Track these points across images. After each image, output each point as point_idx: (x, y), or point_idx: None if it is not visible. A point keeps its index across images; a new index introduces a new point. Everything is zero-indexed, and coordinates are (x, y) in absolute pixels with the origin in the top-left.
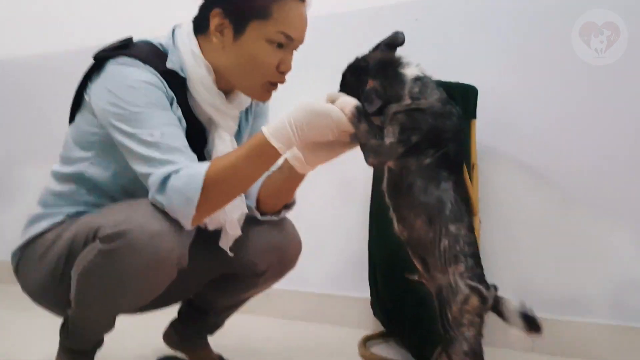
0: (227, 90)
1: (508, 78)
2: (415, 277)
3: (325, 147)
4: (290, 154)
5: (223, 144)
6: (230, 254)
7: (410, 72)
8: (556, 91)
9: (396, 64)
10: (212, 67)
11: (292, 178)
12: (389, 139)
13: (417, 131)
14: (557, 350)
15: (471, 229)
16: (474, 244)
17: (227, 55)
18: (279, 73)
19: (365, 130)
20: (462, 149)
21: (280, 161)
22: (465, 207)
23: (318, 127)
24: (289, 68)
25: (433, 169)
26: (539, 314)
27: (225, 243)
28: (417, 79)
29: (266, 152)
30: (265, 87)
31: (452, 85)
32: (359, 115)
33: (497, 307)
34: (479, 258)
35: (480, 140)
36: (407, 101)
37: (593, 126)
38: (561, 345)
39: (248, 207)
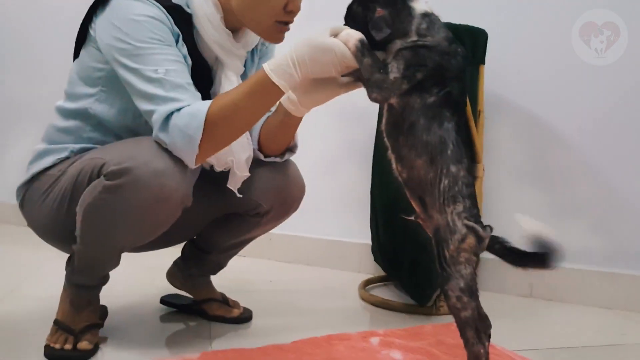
0: (234, 29)
1: (519, 24)
2: (412, 218)
3: (320, 89)
4: (284, 97)
5: (230, 84)
6: (239, 195)
7: (419, 7)
8: (566, 41)
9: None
10: (220, 4)
11: (288, 121)
12: (393, 74)
13: (422, 68)
14: (553, 296)
15: (470, 170)
16: (471, 185)
17: None
18: (287, 12)
19: (369, 64)
20: (465, 90)
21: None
22: (465, 149)
23: (321, 63)
24: (297, 8)
25: (436, 108)
26: None
27: (234, 184)
28: (426, 15)
29: (268, 90)
30: (276, 28)
31: (461, 27)
32: (363, 48)
33: (494, 247)
34: (476, 199)
35: (488, 86)
36: (414, 37)
37: (601, 77)
38: (557, 291)
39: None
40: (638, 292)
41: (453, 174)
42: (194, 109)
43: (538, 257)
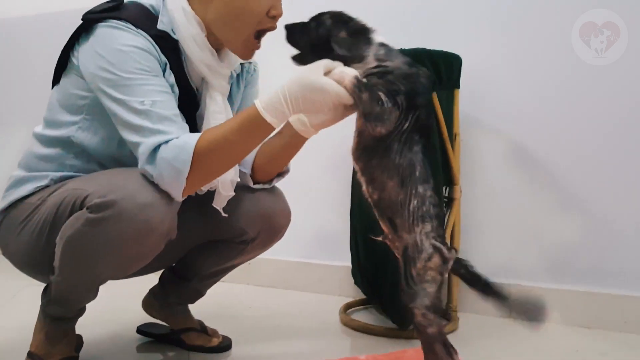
0: (217, 48)
1: (492, 49)
2: (380, 239)
3: (331, 112)
4: (294, 117)
5: (215, 104)
6: (224, 214)
7: (377, 38)
8: (538, 63)
9: (370, 29)
10: (202, 22)
11: (292, 143)
12: (387, 105)
13: (399, 92)
14: None
15: (436, 190)
16: (438, 205)
17: (215, 6)
18: (270, 18)
19: (368, 98)
20: (431, 112)
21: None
22: (432, 169)
23: (313, 102)
24: (279, 12)
25: (409, 132)
26: (516, 280)
27: (219, 203)
28: (383, 44)
29: (258, 126)
30: (251, 43)
31: (436, 53)
32: (360, 84)
33: (460, 271)
34: (443, 219)
35: (463, 110)
36: (372, 63)
37: (574, 99)
38: None
39: (241, 174)
40: (617, 311)
41: (421, 194)
42: (182, 141)
43: (499, 290)
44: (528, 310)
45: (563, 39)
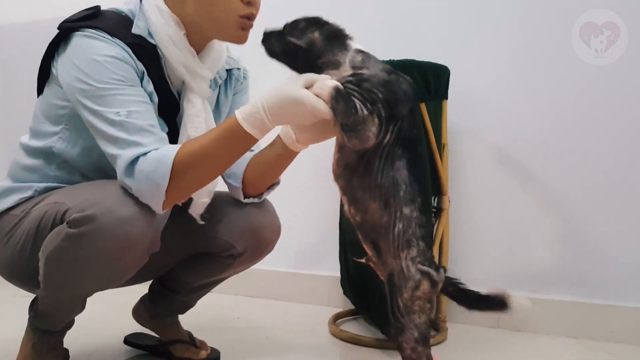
0: (198, 49)
1: (480, 60)
2: (363, 261)
3: (317, 128)
4: (283, 131)
5: (192, 107)
6: (200, 221)
7: (354, 45)
8: (525, 74)
9: (346, 35)
10: (181, 21)
11: (283, 156)
12: (362, 112)
13: (377, 100)
14: (521, 327)
15: (423, 210)
16: (424, 226)
17: (191, 0)
18: (246, 4)
19: (343, 109)
20: (415, 123)
21: (272, 138)
22: (419, 186)
23: (291, 114)
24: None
25: (390, 146)
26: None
27: (195, 211)
28: (360, 51)
29: (239, 137)
30: (239, 24)
31: (425, 64)
32: (337, 95)
33: (448, 289)
34: (430, 239)
35: (451, 120)
36: (348, 71)
37: (562, 109)
38: (524, 321)
39: (232, 188)
40: (603, 320)
41: (407, 217)
42: (161, 154)
43: (492, 300)
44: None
45: (550, 50)
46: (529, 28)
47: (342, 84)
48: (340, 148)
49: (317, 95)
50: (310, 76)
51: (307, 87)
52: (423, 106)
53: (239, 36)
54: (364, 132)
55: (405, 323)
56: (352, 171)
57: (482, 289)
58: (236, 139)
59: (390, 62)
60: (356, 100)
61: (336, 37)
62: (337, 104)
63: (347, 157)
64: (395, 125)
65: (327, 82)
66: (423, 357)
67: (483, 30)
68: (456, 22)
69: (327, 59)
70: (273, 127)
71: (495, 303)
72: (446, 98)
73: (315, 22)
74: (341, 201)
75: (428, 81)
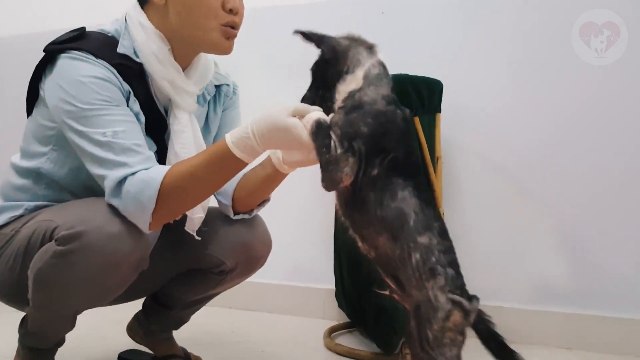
0: (184, 65)
1: (472, 73)
2: (387, 293)
3: (303, 154)
4: (272, 152)
5: (179, 123)
6: (197, 237)
7: (381, 55)
8: (518, 86)
9: (371, 44)
10: (165, 36)
11: (273, 176)
12: (336, 150)
13: (359, 135)
14: (516, 338)
15: (444, 234)
16: (450, 251)
17: (173, 12)
18: (228, 12)
19: (319, 145)
20: (412, 150)
21: (262, 158)
22: (433, 211)
23: (279, 141)
24: (236, 6)
25: (383, 179)
26: (498, 302)
27: (191, 226)
28: (382, 64)
29: (228, 161)
30: (222, 33)
31: (418, 78)
32: (318, 131)
33: (479, 326)
34: (458, 265)
35: (445, 133)
36: (359, 83)
37: (556, 121)
38: (519, 333)
39: (222, 206)
40: (597, 332)
41: (424, 246)
42: (148, 176)
43: (512, 355)
44: None
45: (544, 63)
46: (521, 42)
47: (339, 107)
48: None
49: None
50: (301, 106)
51: (298, 116)
52: (417, 120)
53: (224, 46)
54: (335, 172)
55: (434, 356)
56: (352, 208)
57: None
58: (225, 163)
59: None
60: (333, 138)
61: (362, 42)
62: (315, 138)
63: (344, 195)
64: (385, 159)
65: (312, 115)
66: None
67: (476, 45)
68: (449, 37)
69: (351, 57)
70: (263, 151)
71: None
72: (439, 111)
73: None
74: (336, 214)
75: (422, 95)
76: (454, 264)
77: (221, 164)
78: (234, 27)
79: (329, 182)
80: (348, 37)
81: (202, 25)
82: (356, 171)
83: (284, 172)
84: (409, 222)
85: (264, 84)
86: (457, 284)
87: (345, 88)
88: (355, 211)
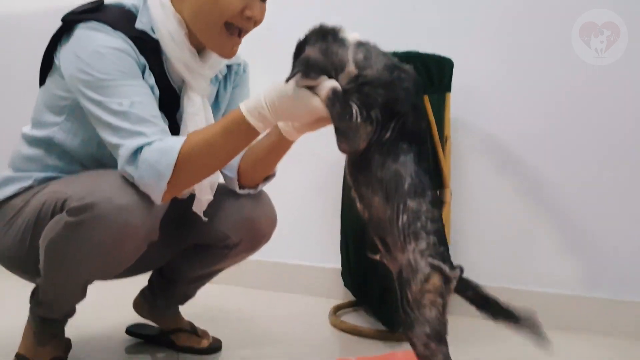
0: (200, 48)
1: (484, 52)
2: (378, 257)
3: (309, 121)
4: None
5: (192, 105)
6: (205, 218)
7: (351, 36)
8: (530, 67)
9: (336, 30)
10: (183, 20)
11: (278, 145)
12: (357, 119)
13: (375, 105)
14: None
15: (435, 204)
16: (437, 221)
17: (189, 2)
18: (245, 18)
19: (337, 113)
20: (420, 116)
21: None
22: (429, 180)
23: (290, 110)
24: (256, 14)
25: (391, 142)
26: (505, 284)
27: (199, 207)
28: (360, 44)
29: (243, 130)
30: (227, 38)
31: (428, 56)
32: (334, 98)
33: (467, 293)
34: (444, 236)
35: (454, 113)
36: (352, 68)
37: (565, 102)
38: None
39: (228, 180)
40: (603, 315)
41: (413, 209)
42: (167, 145)
43: (512, 314)
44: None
45: (554, 43)
46: (534, 22)
47: (344, 88)
48: None
49: (317, 94)
50: (310, 80)
51: (308, 86)
52: (426, 98)
53: (227, 48)
54: (354, 139)
55: (415, 317)
56: (357, 168)
57: (484, 282)
58: (240, 132)
59: (394, 54)
60: (354, 106)
61: (325, 35)
62: (332, 106)
63: (351, 156)
64: (397, 123)
65: (326, 83)
66: (438, 355)
67: (487, 23)
68: (460, 15)
69: (333, 62)
70: (275, 122)
71: (512, 316)
72: (449, 91)
73: (299, 47)
74: (343, 193)
75: (431, 73)
76: (438, 232)
77: (237, 132)
78: (242, 31)
79: (347, 147)
80: (316, 45)
81: (209, 24)
82: (371, 137)
83: (290, 139)
84: (404, 185)
85: (267, 73)
86: (439, 251)
87: (343, 81)
88: (359, 171)
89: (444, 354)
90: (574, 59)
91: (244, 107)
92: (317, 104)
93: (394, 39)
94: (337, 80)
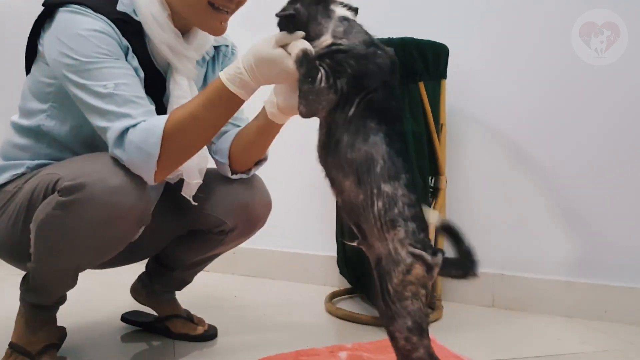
0: (184, 29)
1: (480, 39)
2: (355, 244)
3: (294, 87)
4: (267, 101)
5: (179, 88)
6: (194, 202)
7: (339, 10)
8: (526, 55)
9: (330, 1)
10: (166, 2)
11: (267, 128)
12: (320, 84)
13: (343, 74)
14: (515, 306)
15: (411, 187)
16: (414, 205)
17: None
18: None
19: (302, 73)
20: (391, 95)
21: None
22: (403, 162)
23: (267, 73)
24: None
25: (358, 120)
26: (499, 270)
27: (188, 192)
28: (344, 19)
29: (225, 99)
30: (212, 15)
31: (423, 42)
32: (303, 59)
33: (451, 272)
34: (423, 220)
35: (450, 100)
36: (328, 40)
37: (561, 91)
38: (519, 301)
39: (219, 165)
40: (597, 300)
41: (388, 194)
42: (150, 124)
43: (459, 265)
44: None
45: (552, 32)
46: (530, 9)
47: (320, 54)
48: (320, 127)
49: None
50: (282, 35)
51: (283, 46)
52: (421, 85)
53: (215, 27)
54: (313, 104)
55: (396, 310)
56: (326, 150)
57: (480, 268)
58: (223, 101)
59: (390, 40)
60: (321, 70)
61: (318, 2)
62: (300, 67)
63: (322, 136)
64: (364, 98)
65: (297, 44)
66: (419, 348)
67: (484, 10)
68: (457, 1)
69: (312, 28)
70: (257, 87)
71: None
72: (445, 78)
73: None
74: None
75: (427, 60)
76: (417, 218)
77: (219, 101)
78: (228, 10)
79: (305, 111)
80: (307, 7)
81: (191, 3)
82: (334, 108)
83: (277, 122)
84: (375, 168)
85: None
86: (419, 238)
87: (317, 47)
88: (328, 153)
89: (426, 347)
90: (568, 44)
91: (224, 75)
92: (289, 64)
93: (390, 25)
94: (313, 43)
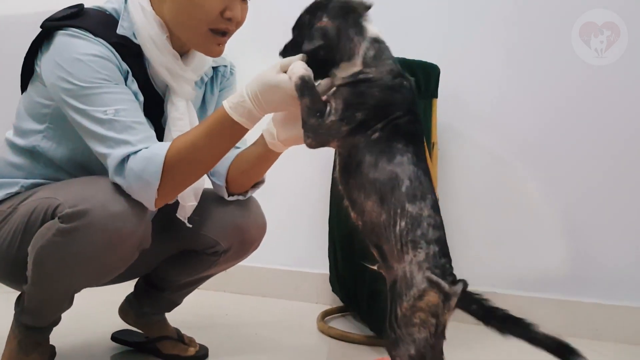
0: (182, 51)
1: (469, 59)
2: (375, 267)
3: (297, 128)
4: (266, 129)
5: (176, 110)
6: (188, 224)
7: (371, 29)
8: (515, 73)
9: (361, 12)
10: (164, 23)
11: (266, 155)
12: (330, 118)
13: (363, 107)
14: None
15: (436, 208)
16: (439, 228)
17: (168, 4)
18: (225, 20)
19: (306, 105)
20: (416, 120)
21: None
22: (430, 182)
23: (272, 100)
24: (237, 16)
25: (384, 142)
26: (491, 288)
27: (182, 214)
28: (376, 40)
29: (228, 128)
30: (211, 38)
31: (415, 63)
32: (303, 87)
33: (471, 307)
34: (446, 245)
35: (441, 119)
36: (358, 66)
37: (551, 108)
38: None
39: (216, 187)
40: (588, 318)
41: (412, 215)
42: (151, 152)
43: (523, 325)
44: (563, 352)
45: (542, 50)
46: (521, 27)
47: (340, 84)
48: (338, 153)
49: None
50: (286, 60)
51: (284, 71)
52: None
53: (214, 50)
54: (324, 137)
55: (401, 336)
56: (347, 173)
57: (471, 286)
58: (226, 130)
59: None
60: (331, 104)
61: (347, 14)
62: (302, 97)
63: (343, 160)
64: (388, 123)
65: (294, 69)
66: None
67: (474, 29)
68: (447, 21)
69: (343, 45)
70: (262, 116)
71: (522, 329)
72: (436, 97)
73: (317, 7)
74: (331, 199)
75: (418, 80)
76: (440, 241)
77: (222, 130)
78: (226, 33)
79: (315, 144)
80: (335, 20)
81: (194, 26)
82: (352, 133)
83: (277, 151)
84: (401, 188)
85: (257, 61)
86: (439, 263)
87: (343, 73)
88: (350, 175)
89: None
90: (564, 62)
91: (227, 103)
92: (293, 89)
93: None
94: (337, 67)
